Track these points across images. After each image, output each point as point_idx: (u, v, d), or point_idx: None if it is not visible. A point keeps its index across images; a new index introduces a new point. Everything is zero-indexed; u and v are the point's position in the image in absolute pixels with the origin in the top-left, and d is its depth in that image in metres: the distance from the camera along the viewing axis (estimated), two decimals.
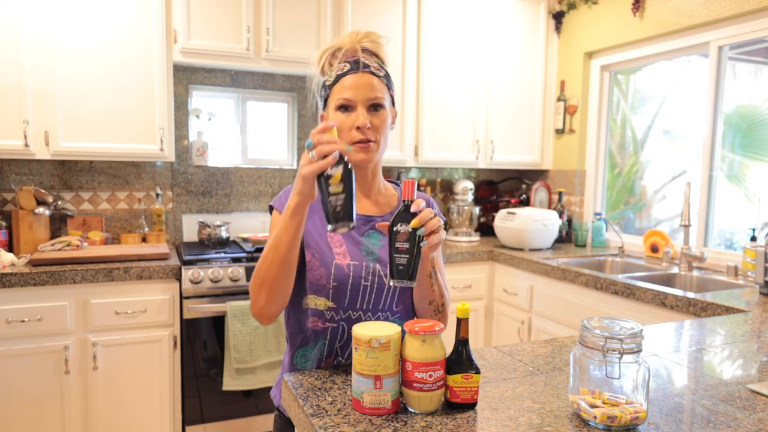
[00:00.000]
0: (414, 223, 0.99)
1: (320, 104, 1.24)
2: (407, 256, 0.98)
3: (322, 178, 0.97)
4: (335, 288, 1.15)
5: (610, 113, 3.35)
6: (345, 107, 1.15)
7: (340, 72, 1.16)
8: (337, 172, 0.96)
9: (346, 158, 0.98)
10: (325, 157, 0.96)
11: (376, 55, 1.21)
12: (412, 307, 1.25)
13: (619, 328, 0.89)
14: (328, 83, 1.19)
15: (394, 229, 1.00)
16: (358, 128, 1.14)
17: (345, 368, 1.12)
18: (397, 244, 0.99)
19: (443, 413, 0.91)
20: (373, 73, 1.16)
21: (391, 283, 1.01)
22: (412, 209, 1.00)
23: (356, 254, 1.17)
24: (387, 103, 1.19)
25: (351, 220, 0.96)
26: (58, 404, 2.32)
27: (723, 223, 2.72)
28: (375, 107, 1.16)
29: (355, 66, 1.16)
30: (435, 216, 1.00)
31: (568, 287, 2.59)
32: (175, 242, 3.04)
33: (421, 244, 0.99)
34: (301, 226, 1.04)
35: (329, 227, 0.97)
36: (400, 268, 0.99)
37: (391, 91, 1.21)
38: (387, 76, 1.20)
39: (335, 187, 0.96)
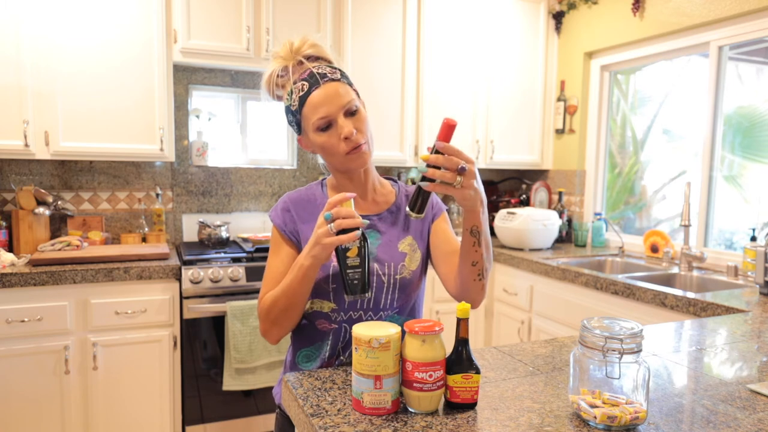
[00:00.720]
0: (422, 156, 0.98)
1: (293, 130, 1.21)
2: (415, 190, 1.02)
3: (340, 249, 1.01)
4: (334, 290, 1.16)
5: (610, 113, 3.35)
6: (325, 126, 1.12)
7: (301, 93, 1.13)
8: (355, 246, 1.01)
9: (366, 238, 1.01)
10: (344, 230, 0.99)
11: (323, 58, 1.18)
12: (414, 304, 1.25)
13: (619, 328, 0.89)
14: (293, 108, 1.15)
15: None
16: (345, 138, 1.11)
17: (345, 368, 1.12)
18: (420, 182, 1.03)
19: (443, 413, 0.91)
20: (333, 79, 1.13)
21: (407, 210, 1.04)
22: (437, 146, 0.97)
23: None
24: (357, 101, 1.16)
25: (365, 292, 1.02)
26: (58, 404, 2.32)
27: (723, 223, 2.72)
28: (351, 112, 1.13)
29: (313, 80, 1.12)
30: (450, 168, 0.95)
31: (568, 287, 2.58)
32: (175, 242, 3.04)
33: (420, 183, 0.99)
34: (313, 279, 1.08)
35: (346, 297, 1.03)
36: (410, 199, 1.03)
37: (353, 87, 1.18)
38: (344, 74, 1.17)
39: (352, 260, 1.01)
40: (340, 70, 1.17)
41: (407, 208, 1.03)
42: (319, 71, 1.13)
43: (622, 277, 2.42)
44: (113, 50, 2.53)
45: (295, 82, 1.14)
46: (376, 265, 1.18)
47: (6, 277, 2.19)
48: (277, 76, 1.17)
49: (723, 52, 2.63)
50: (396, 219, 1.25)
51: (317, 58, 1.18)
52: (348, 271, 1.01)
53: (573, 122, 3.44)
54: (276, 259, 1.19)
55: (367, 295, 1.03)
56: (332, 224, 0.98)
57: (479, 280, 1.14)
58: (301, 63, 1.16)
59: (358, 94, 1.19)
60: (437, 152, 0.97)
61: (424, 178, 0.98)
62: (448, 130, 0.97)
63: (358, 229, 1.00)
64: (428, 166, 0.97)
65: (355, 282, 1.01)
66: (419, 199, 1.01)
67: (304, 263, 1.05)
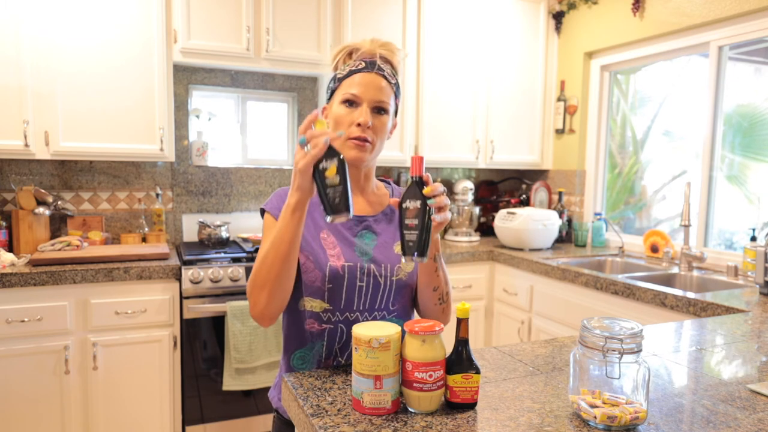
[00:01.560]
0: (427, 191, 0.98)
1: (326, 96, 1.24)
2: (416, 231, 0.99)
3: (318, 172, 0.98)
4: (330, 290, 1.15)
5: (610, 113, 3.35)
6: (350, 102, 1.15)
7: (354, 68, 1.17)
8: (332, 164, 0.97)
9: (341, 156, 0.98)
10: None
11: (391, 64, 1.22)
12: (409, 305, 1.25)
13: (619, 328, 0.89)
14: (339, 76, 1.19)
15: (403, 205, 1.01)
16: (358, 125, 1.13)
17: (345, 368, 1.12)
18: (407, 221, 1.00)
19: (443, 413, 0.91)
20: (385, 77, 1.18)
21: (404, 260, 1.01)
22: (426, 185, 1.00)
23: (350, 255, 1.17)
24: (391, 109, 1.19)
25: (348, 210, 0.97)
26: (58, 404, 2.32)
27: (723, 223, 2.72)
28: (379, 110, 1.16)
29: (371, 66, 1.17)
30: (444, 192, 1.01)
31: (568, 287, 2.58)
32: (175, 242, 3.04)
33: (431, 217, 0.98)
34: (302, 222, 1.04)
35: (327, 218, 0.98)
36: (410, 244, 0.99)
37: (397, 99, 1.22)
38: (397, 85, 1.22)
39: (331, 179, 0.97)
40: (397, 80, 1.22)
41: (409, 256, 0.99)
42: (381, 65, 1.18)
43: (622, 277, 2.42)
44: (113, 50, 2.53)
45: (356, 59, 1.19)
46: (372, 266, 1.17)
47: (6, 277, 2.19)
48: (348, 53, 1.21)
49: (723, 52, 2.63)
50: (391, 221, 1.25)
51: (387, 61, 1.22)
52: (328, 190, 0.97)
53: (573, 122, 3.44)
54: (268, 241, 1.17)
55: (349, 215, 0.98)
56: (307, 145, 0.97)
57: (439, 304, 1.19)
58: (374, 54, 1.20)
59: (396, 110, 1.23)
60: (417, 183, 1.00)
61: (426, 210, 0.98)
62: (420, 162, 1.00)
63: (339, 156, 0.98)
64: (426, 198, 0.99)
65: (336, 200, 0.97)
66: (425, 237, 0.98)
67: (290, 201, 1.02)
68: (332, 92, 1.21)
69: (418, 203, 0.99)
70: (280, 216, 1.05)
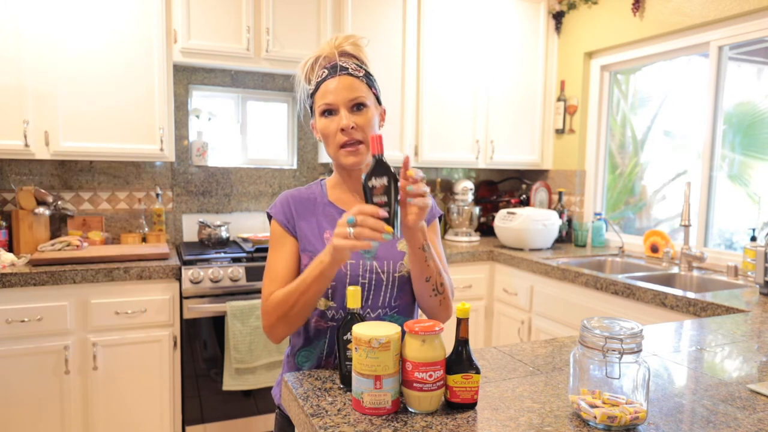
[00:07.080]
0: (411, 171, 0.98)
1: (310, 113, 1.26)
2: (387, 208, 0.98)
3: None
4: (333, 288, 1.16)
5: (610, 113, 3.35)
6: (328, 112, 1.16)
7: (319, 79, 1.18)
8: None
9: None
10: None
11: (356, 57, 1.22)
12: (412, 302, 1.25)
13: (619, 328, 0.89)
14: (310, 91, 1.21)
15: (369, 184, 0.99)
16: (342, 130, 1.14)
17: None
18: (375, 199, 0.99)
19: (443, 413, 0.91)
20: (351, 74, 1.17)
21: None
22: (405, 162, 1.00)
23: (353, 253, 1.18)
24: (370, 101, 1.18)
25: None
26: (58, 404, 2.32)
27: (723, 223, 2.72)
28: (358, 107, 1.16)
29: (333, 70, 1.16)
30: (423, 179, 1.01)
31: (568, 287, 2.58)
32: (175, 242, 3.04)
33: (398, 192, 0.98)
34: (331, 278, 1.07)
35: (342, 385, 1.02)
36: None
37: (373, 89, 1.21)
38: (367, 75, 1.20)
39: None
40: (366, 71, 1.20)
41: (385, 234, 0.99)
42: (343, 64, 1.17)
43: (622, 277, 2.42)
44: (113, 50, 2.53)
45: (319, 69, 1.19)
46: (375, 263, 1.19)
47: (6, 277, 2.19)
48: (314, 62, 1.21)
49: (723, 52, 2.63)
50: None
51: (351, 56, 1.21)
52: (347, 362, 1.00)
53: (573, 122, 3.44)
54: (277, 254, 1.20)
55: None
56: (351, 228, 0.96)
57: (435, 295, 1.17)
58: (334, 56, 1.19)
59: (378, 99, 1.22)
60: (379, 161, 0.99)
61: (393, 186, 0.98)
62: (380, 141, 1.00)
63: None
64: (393, 174, 0.99)
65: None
66: (396, 213, 0.99)
67: (324, 259, 1.04)
68: (311, 108, 1.23)
69: (384, 180, 0.98)
70: (311, 265, 1.07)
